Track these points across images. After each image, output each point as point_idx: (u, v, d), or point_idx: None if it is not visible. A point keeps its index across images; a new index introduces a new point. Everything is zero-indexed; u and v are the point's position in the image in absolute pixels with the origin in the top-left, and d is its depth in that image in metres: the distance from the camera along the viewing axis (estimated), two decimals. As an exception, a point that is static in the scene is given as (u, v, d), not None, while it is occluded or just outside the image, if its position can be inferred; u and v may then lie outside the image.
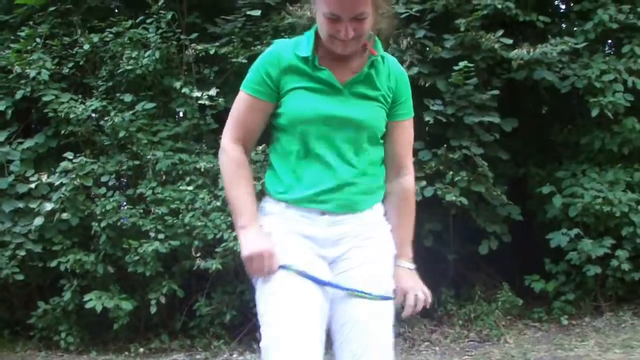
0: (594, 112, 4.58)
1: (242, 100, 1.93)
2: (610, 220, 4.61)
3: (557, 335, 4.60)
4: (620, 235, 4.61)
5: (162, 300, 4.67)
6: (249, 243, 1.83)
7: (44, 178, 4.83)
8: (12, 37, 5.29)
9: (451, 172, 4.64)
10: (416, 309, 1.94)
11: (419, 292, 1.94)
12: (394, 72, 1.92)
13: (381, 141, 1.96)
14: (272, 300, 1.83)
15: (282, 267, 1.84)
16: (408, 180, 1.99)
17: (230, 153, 1.92)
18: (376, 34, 1.90)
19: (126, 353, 4.75)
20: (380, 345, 1.89)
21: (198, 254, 4.66)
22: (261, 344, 1.82)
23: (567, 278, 4.83)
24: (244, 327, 4.87)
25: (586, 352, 4.13)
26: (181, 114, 5.19)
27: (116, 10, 5.58)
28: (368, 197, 1.93)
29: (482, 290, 5.02)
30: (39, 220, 4.69)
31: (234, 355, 4.66)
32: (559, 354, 4.16)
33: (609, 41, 4.88)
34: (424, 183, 4.61)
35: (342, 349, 1.89)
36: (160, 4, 4.95)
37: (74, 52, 5.06)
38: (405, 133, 1.97)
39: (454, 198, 4.58)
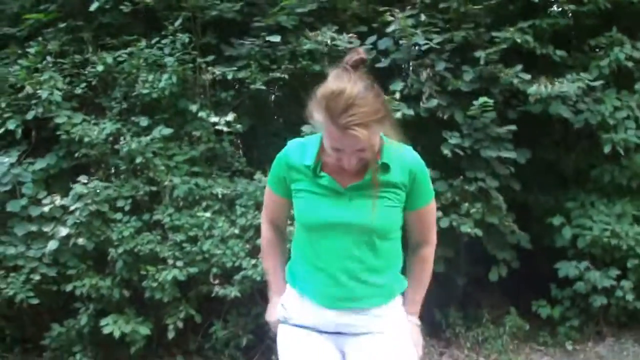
0: (607, 149, 4.70)
1: (266, 190, 2.25)
2: (617, 253, 4.77)
3: (563, 361, 4.81)
4: (626, 267, 4.78)
5: (180, 325, 4.72)
6: (268, 312, 2.27)
7: (57, 201, 4.78)
8: (20, 52, 5.16)
9: (466, 204, 4.74)
10: None
11: (419, 348, 2.14)
12: (407, 165, 1.98)
13: (395, 234, 2.07)
14: (285, 355, 2.14)
15: (296, 325, 2.14)
16: (427, 251, 2.15)
17: (263, 233, 2.29)
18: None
19: (142, 373, 4.81)
20: None
21: (216, 281, 4.71)
22: None
23: (572, 304, 5.01)
24: (259, 348, 4.97)
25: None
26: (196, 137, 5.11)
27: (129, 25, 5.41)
28: (377, 297, 2.05)
29: (490, 314, 5.18)
30: (53, 244, 4.65)
31: (249, 376, 4.76)
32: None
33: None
34: (440, 214, 4.70)
35: None
36: (176, 24, 4.87)
37: (86, 71, 4.96)
38: (426, 216, 2.10)
39: (469, 230, 4.68)
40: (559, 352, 4.93)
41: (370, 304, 2.04)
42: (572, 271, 4.79)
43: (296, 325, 2.14)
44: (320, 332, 2.11)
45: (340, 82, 1.84)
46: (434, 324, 5.17)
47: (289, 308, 2.16)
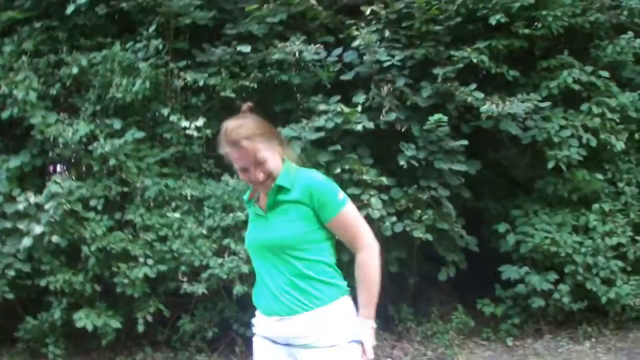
0: (550, 164, 5.09)
1: None
2: (556, 259, 5.21)
3: (503, 356, 5.26)
4: (563, 272, 5.23)
5: (149, 318, 5.00)
6: None
7: (32, 199, 4.95)
8: (-6, 50, 5.27)
9: (419, 211, 5.09)
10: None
11: (370, 349, 2.34)
12: (304, 185, 2.29)
13: (309, 246, 2.32)
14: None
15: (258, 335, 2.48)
16: (361, 257, 2.35)
17: None
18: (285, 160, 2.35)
19: (112, 364, 5.09)
20: None
21: (184, 279, 4.99)
22: None
23: (514, 302, 5.45)
24: (223, 340, 5.30)
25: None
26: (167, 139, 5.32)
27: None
28: (303, 305, 2.30)
29: (439, 310, 5.60)
30: (27, 241, 4.85)
31: (215, 366, 5.09)
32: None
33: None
34: (394, 219, 5.07)
35: None
36: (150, 31, 5.05)
37: (61, 72, 5.11)
38: (342, 226, 2.33)
39: (421, 235, 5.05)
40: (501, 347, 5.38)
41: (297, 312, 2.31)
42: (514, 274, 5.22)
43: (259, 335, 2.48)
44: (274, 342, 2.43)
45: (228, 121, 2.29)
46: (387, 318, 5.56)
47: (255, 321, 2.48)
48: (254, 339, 2.51)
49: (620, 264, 5.19)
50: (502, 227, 5.33)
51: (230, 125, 2.24)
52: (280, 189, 2.29)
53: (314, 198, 2.27)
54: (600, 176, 5.22)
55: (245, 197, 2.49)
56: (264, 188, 2.31)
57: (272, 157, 2.27)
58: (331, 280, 2.35)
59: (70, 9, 5.01)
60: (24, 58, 5.06)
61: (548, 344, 5.33)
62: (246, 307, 5.29)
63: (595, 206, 5.29)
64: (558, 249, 5.13)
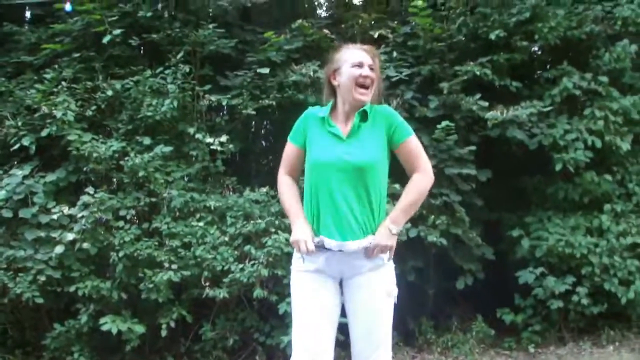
0: (558, 167, 5.28)
1: (287, 146, 2.88)
2: (572, 261, 5.26)
3: (525, 363, 5.22)
4: (581, 274, 5.27)
5: (172, 324, 5.13)
6: (294, 232, 2.71)
7: (65, 210, 5.27)
8: (36, 78, 5.78)
9: (432, 216, 5.26)
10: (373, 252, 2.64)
11: (378, 246, 2.63)
12: (380, 114, 2.72)
13: (382, 173, 2.69)
14: (294, 302, 2.74)
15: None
16: (416, 176, 2.75)
17: (281, 179, 2.87)
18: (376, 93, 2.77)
19: (134, 374, 5.17)
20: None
21: (207, 284, 5.16)
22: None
23: (534, 311, 5.46)
24: (244, 350, 5.37)
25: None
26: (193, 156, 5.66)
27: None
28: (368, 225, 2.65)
29: (459, 322, 5.62)
30: (59, 249, 5.10)
31: (236, 376, 5.13)
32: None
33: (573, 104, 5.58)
34: (408, 225, 5.23)
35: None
36: (179, 57, 5.53)
37: (96, 96, 5.58)
38: (409, 149, 2.74)
39: (434, 239, 5.19)
40: (523, 356, 5.34)
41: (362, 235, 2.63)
42: (530, 277, 5.27)
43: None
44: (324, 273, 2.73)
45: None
46: (407, 332, 5.60)
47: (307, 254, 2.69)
48: (300, 276, 2.73)
49: (637, 263, 5.23)
50: (515, 232, 5.45)
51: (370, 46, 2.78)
52: (365, 115, 2.66)
53: (390, 123, 2.68)
54: (609, 178, 5.36)
55: (321, 113, 2.75)
56: (354, 106, 2.67)
57: (378, 77, 2.73)
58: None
59: (106, 39, 5.54)
60: (63, 84, 5.54)
61: (571, 349, 5.29)
62: (267, 316, 5.42)
63: (607, 207, 5.39)
64: (573, 251, 5.20)
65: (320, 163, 2.66)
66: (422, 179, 2.72)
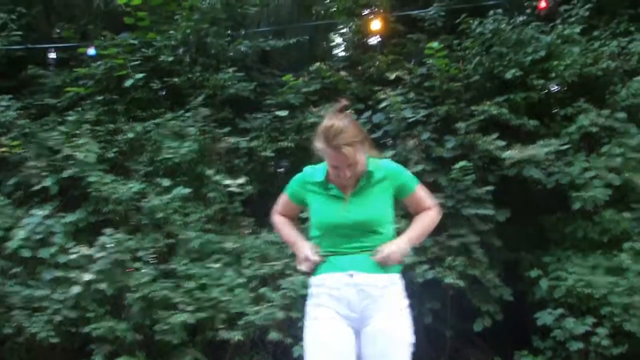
0: (576, 206, 5.22)
1: (283, 197, 2.91)
2: (591, 301, 5.15)
3: (547, 408, 5.06)
4: (600, 314, 5.14)
5: (187, 367, 5.10)
6: (297, 252, 2.76)
7: (84, 250, 5.32)
8: (59, 120, 5.93)
9: (450, 257, 5.22)
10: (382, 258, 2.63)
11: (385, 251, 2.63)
12: (385, 171, 2.71)
13: (389, 224, 2.70)
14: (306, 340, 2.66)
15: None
16: (428, 210, 2.79)
17: (275, 218, 2.94)
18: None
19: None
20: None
21: (221, 326, 5.13)
22: None
23: (553, 353, 5.32)
24: (260, 393, 5.31)
25: None
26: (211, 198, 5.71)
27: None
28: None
29: (477, 363, 5.51)
30: (76, 289, 5.14)
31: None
32: None
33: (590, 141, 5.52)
34: (425, 267, 5.18)
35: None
36: (199, 100, 5.64)
37: (118, 137, 5.69)
38: (417, 198, 2.79)
39: (452, 281, 5.13)
40: (544, 400, 5.20)
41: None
42: (549, 319, 5.16)
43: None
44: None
45: (331, 120, 2.57)
46: (426, 376, 5.49)
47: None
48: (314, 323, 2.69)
49: (658, 303, 5.09)
50: (534, 273, 5.36)
51: (334, 128, 2.49)
52: (370, 175, 2.65)
53: (396, 179, 2.69)
54: (628, 215, 5.28)
55: (316, 177, 2.71)
56: (345, 181, 2.64)
57: (362, 159, 2.63)
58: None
59: (128, 82, 5.68)
60: (86, 126, 5.66)
61: (593, 394, 5.13)
62: (282, 359, 5.36)
63: (627, 246, 5.29)
64: (592, 291, 5.09)
65: (325, 224, 2.68)
66: (433, 214, 2.80)
